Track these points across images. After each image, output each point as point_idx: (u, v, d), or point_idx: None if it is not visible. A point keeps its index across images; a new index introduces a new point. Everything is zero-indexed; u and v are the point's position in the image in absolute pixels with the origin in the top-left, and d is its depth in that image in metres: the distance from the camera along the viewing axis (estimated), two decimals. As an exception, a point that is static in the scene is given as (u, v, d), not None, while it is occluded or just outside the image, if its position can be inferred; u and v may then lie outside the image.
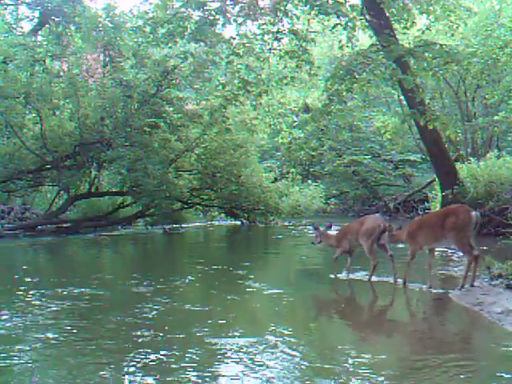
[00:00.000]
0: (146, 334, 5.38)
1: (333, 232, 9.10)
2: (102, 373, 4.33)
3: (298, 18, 14.58)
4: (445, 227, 7.18)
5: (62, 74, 17.16)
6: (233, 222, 20.36)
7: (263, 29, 14.16)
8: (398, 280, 7.82)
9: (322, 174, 27.35)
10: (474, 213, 7.15)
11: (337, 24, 12.75)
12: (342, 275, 8.46)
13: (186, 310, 6.56)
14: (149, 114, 16.81)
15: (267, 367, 4.45)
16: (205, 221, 20.93)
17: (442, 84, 20.32)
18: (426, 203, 20.05)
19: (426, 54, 12.13)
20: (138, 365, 4.51)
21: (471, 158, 16.57)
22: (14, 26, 21.21)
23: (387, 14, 13.63)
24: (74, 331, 5.54)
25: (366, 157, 26.41)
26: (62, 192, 18.23)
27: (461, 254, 7.64)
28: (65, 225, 16.82)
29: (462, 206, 7.79)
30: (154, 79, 16.44)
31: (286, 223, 19.61)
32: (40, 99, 16.12)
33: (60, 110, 17.34)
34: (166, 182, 16.15)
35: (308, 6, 12.93)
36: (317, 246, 9.02)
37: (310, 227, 8.78)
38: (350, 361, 4.62)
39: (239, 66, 15.36)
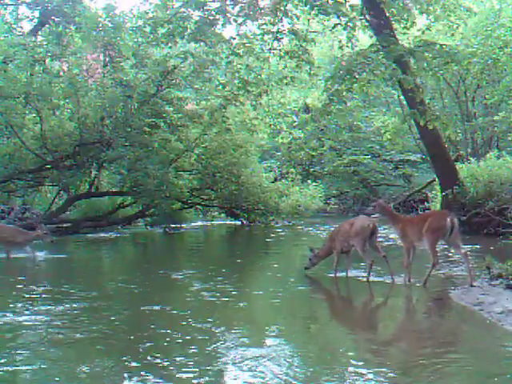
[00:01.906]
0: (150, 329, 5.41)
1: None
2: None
3: (297, 18, 14.57)
4: (423, 229, 7.54)
5: (62, 74, 17.13)
6: (233, 222, 20.35)
7: (263, 29, 14.16)
8: (397, 279, 7.84)
9: (322, 173, 27.33)
10: (449, 218, 7.48)
11: (337, 24, 12.75)
12: (333, 274, 8.49)
13: (186, 309, 6.57)
14: (149, 114, 16.80)
15: (266, 368, 4.45)
16: (205, 221, 20.93)
17: (442, 84, 20.30)
18: (426, 203, 20.03)
19: (426, 54, 12.13)
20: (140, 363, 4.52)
21: (471, 158, 16.56)
22: (14, 26, 21.20)
23: (387, 14, 13.62)
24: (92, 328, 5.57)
25: (366, 157, 26.38)
26: (62, 192, 18.22)
27: (461, 254, 7.83)
28: (65, 225, 16.82)
29: (442, 211, 8.23)
30: (153, 79, 16.41)
31: (286, 223, 19.60)
32: (40, 99, 16.09)
33: (60, 110, 17.31)
34: (166, 182, 16.13)
35: (308, 6, 12.93)
36: (315, 246, 9.03)
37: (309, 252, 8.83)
38: (349, 361, 4.62)
39: (239, 66, 15.37)
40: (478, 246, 11.32)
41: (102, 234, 16.00)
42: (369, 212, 8.40)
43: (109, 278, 9.31)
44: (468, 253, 7.73)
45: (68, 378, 4.27)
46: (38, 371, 4.42)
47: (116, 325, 5.84)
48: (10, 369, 4.45)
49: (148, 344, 5.05)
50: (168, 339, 5.26)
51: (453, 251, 9.30)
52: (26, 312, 6.28)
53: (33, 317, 6.03)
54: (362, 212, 9.89)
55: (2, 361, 4.61)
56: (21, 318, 5.96)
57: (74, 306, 6.61)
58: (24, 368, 4.49)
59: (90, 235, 15.58)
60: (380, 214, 8.34)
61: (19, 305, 6.65)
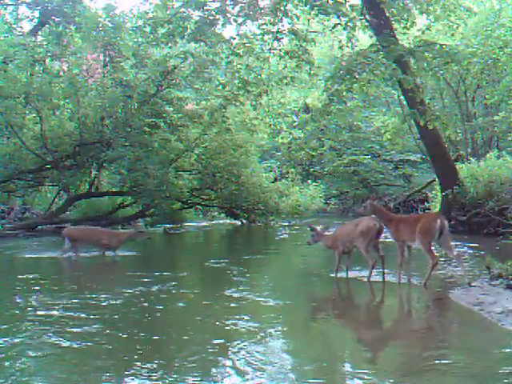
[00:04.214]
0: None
1: (329, 233, 9.10)
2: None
3: (297, 18, 14.58)
4: (415, 230, 7.66)
5: (62, 73, 17.14)
6: (233, 222, 20.34)
7: (263, 29, 14.16)
8: (403, 277, 7.85)
9: (322, 173, 27.34)
10: (439, 220, 7.60)
11: (337, 24, 12.76)
12: (340, 274, 8.48)
13: (183, 309, 6.58)
14: (149, 114, 16.80)
15: (265, 368, 4.45)
16: (205, 220, 20.92)
17: (442, 84, 20.31)
18: (426, 203, 20.04)
19: (426, 54, 12.14)
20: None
21: (471, 158, 16.57)
22: (14, 25, 21.21)
23: (387, 14, 13.63)
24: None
25: (366, 157, 26.39)
26: (62, 192, 18.22)
27: (453, 256, 7.92)
28: (65, 225, 16.81)
29: (433, 213, 8.43)
30: (154, 79, 16.42)
31: (286, 223, 19.60)
32: (40, 99, 16.09)
33: (60, 109, 17.32)
34: (166, 182, 16.12)
35: (308, 6, 12.94)
36: (315, 245, 9.03)
37: (308, 228, 8.82)
38: (349, 362, 4.62)
39: (239, 66, 15.37)
40: (478, 246, 11.32)
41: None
42: (360, 212, 8.40)
43: (160, 268, 9.60)
44: (460, 254, 7.79)
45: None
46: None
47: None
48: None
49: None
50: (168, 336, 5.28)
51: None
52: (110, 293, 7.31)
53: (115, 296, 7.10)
54: (354, 212, 9.90)
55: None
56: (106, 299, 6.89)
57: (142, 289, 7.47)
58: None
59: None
60: (373, 214, 8.29)
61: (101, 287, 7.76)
